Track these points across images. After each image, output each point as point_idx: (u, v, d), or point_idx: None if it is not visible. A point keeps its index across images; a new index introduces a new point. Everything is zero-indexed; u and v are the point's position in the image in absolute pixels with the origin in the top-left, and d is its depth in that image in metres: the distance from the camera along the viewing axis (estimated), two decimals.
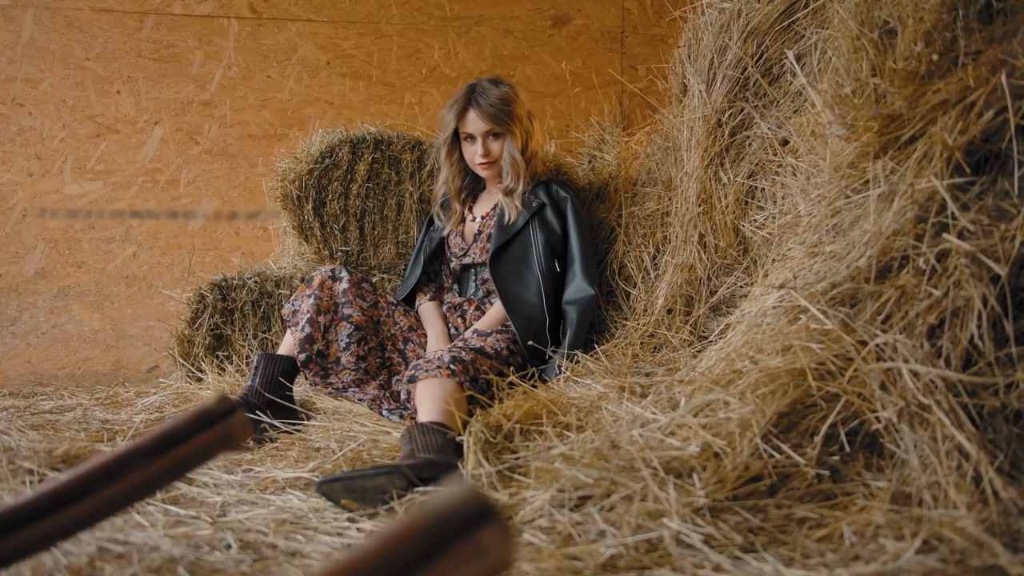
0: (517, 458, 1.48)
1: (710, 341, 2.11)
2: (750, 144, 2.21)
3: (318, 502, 1.48)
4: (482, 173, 2.42)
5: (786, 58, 2.19)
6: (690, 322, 2.22)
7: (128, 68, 3.25)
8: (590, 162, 2.98)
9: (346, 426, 1.98)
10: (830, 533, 1.17)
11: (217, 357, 2.59)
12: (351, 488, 1.40)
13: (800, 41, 2.16)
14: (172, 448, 0.89)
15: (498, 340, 2.18)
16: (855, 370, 1.39)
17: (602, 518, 1.18)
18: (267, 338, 2.62)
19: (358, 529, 1.33)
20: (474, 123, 2.34)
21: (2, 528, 0.84)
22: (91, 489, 0.87)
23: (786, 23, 2.19)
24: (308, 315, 2.18)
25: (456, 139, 2.42)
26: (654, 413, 1.53)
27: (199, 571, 1.08)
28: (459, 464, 1.54)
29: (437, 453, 1.56)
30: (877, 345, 1.36)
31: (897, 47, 1.69)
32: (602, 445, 1.38)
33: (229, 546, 1.22)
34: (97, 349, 3.20)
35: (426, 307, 2.45)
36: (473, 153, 2.38)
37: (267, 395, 2.05)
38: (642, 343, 2.21)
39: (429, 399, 1.83)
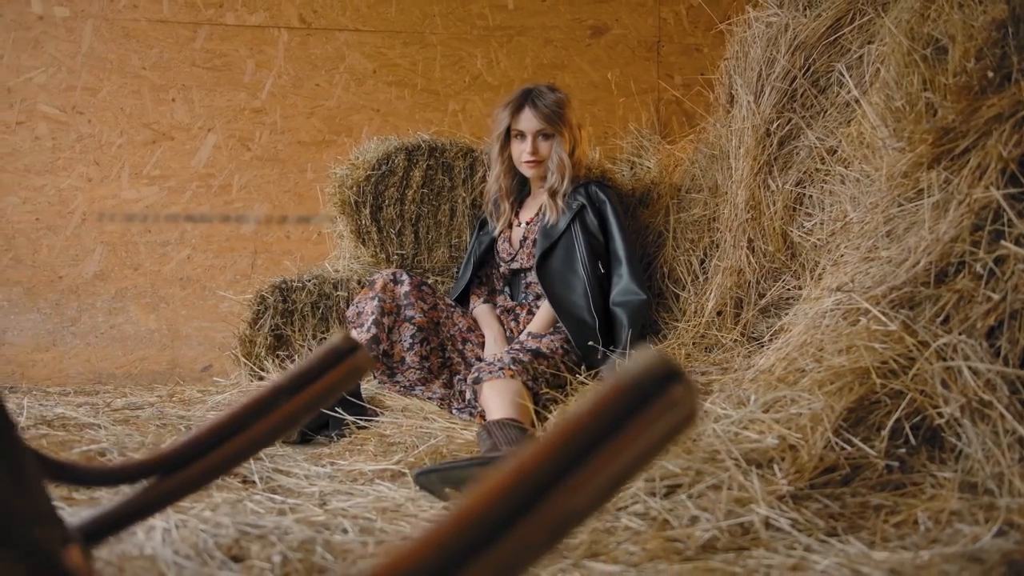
0: None
1: (761, 343, 2.21)
2: (798, 153, 2.30)
3: (409, 492, 1.58)
4: (527, 172, 2.51)
5: (833, 70, 2.29)
6: (740, 324, 2.32)
7: (182, 77, 3.36)
8: (632, 168, 3.07)
9: (417, 423, 2.08)
10: (905, 519, 1.26)
11: (278, 356, 2.69)
12: (446, 479, 1.50)
13: (847, 55, 2.26)
14: (308, 385, 0.99)
15: (552, 340, 2.28)
16: (917, 368, 1.48)
17: (693, 505, 1.28)
18: (325, 338, 2.72)
19: None
20: (527, 121, 2.45)
21: (176, 463, 0.95)
22: (245, 425, 0.97)
23: (832, 38, 2.28)
24: (373, 316, 2.28)
25: (508, 137, 2.52)
26: (724, 408, 1.63)
27: (333, 550, 1.18)
28: None
29: (519, 445, 1.66)
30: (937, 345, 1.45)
31: (949, 63, 1.78)
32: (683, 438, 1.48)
33: (346, 530, 1.32)
34: (153, 349, 3.32)
35: (481, 309, 2.55)
36: (521, 151, 2.47)
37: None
38: (694, 343, 2.31)
39: (498, 398, 1.93)
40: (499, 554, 0.48)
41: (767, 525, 1.23)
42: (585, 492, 0.50)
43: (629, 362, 0.56)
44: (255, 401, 0.98)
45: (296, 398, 0.98)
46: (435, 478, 1.50)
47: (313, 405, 1.00)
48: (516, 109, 2.45)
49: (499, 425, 1.76)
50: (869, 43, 2.20)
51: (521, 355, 2.09)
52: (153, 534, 1.17)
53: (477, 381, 1.99)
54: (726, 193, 2.48)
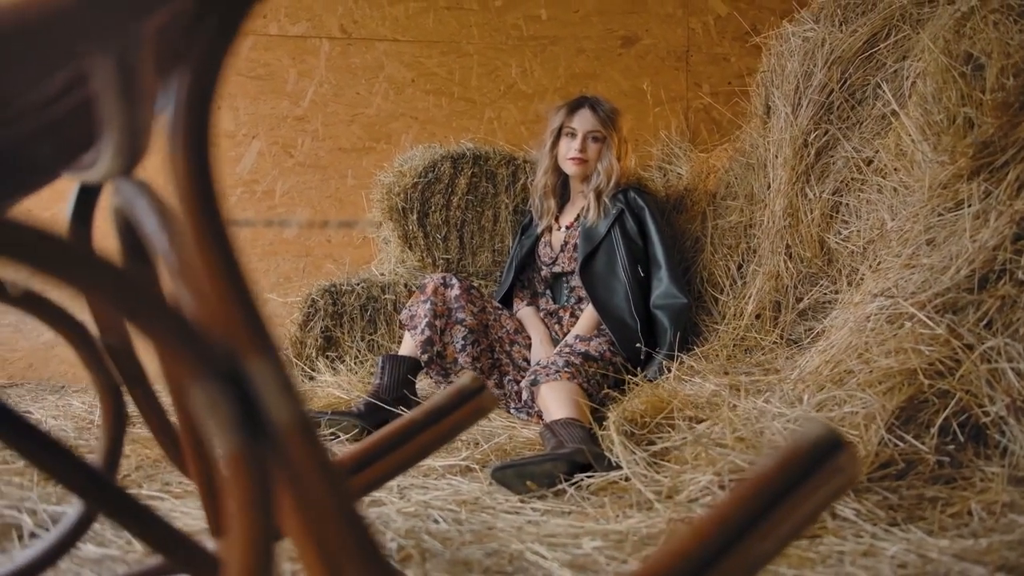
0: (661, 447, 1.68)
1: (800, 345, 2.30)
2: (835, 163, 2.40)
3: (482, 485, 1.67)
4: (570, 169, 2.60)
5: (868, 84, 2.38)
6: (778, 327, 2.41)
7: (227, 85, 3.47)
8: (664, 175, 3.17)
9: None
10: (960, 510, 1.36)
11: (327, 357, 2.79)
12: (522, 474, 1.59)
13: (882, 69, 2.35)
14: (439, 419, 1.09)
15: (600, 343, 2.38)
16: (964, 370, 1.58)
17: None
18: (374, 339, 2.83)
19: (532, 508, 1.53)
20: (582, 119, 2.55)
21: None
22: (382, 454, 1.07)
23: (868, 53, 2.38)
24: (426, 319, 2.38)
25: (559, 136, 2.62)
26: (778, 407, 1.73)
27: (436, 537, 1.28)
28: (604, 452, 1.74)
29: (584, 443, 1.76)
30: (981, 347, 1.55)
31: (987, 80, 1.88)
32: (745, 434, 1.58)
33: (437, 520, 1.41)
34: None
35: (525, 312, 2.65)
36: (568, 148, 2.57)
37: (403, 391, 2.26)
38: (735, 345, 2.41)
39: (557, 399, 2.02)
40: None
41: (833, 515, 1.33)
42: (772, 538, 0.61)
43: (805, 431, 0.66)
44: (392, 433, 1.07)
45: (428, 431, 1.08)
46: (511, 473, 1.60)
47: (443, 438, 1.09)
48: (573, 109, 2.57)
49: (562, 424, 1.86)
50: (904, 58, 2.29)
51: (573, 358, 2.18)
52: None
53: (534, 383, 2.09)
54: (763, 201, 2.58)
